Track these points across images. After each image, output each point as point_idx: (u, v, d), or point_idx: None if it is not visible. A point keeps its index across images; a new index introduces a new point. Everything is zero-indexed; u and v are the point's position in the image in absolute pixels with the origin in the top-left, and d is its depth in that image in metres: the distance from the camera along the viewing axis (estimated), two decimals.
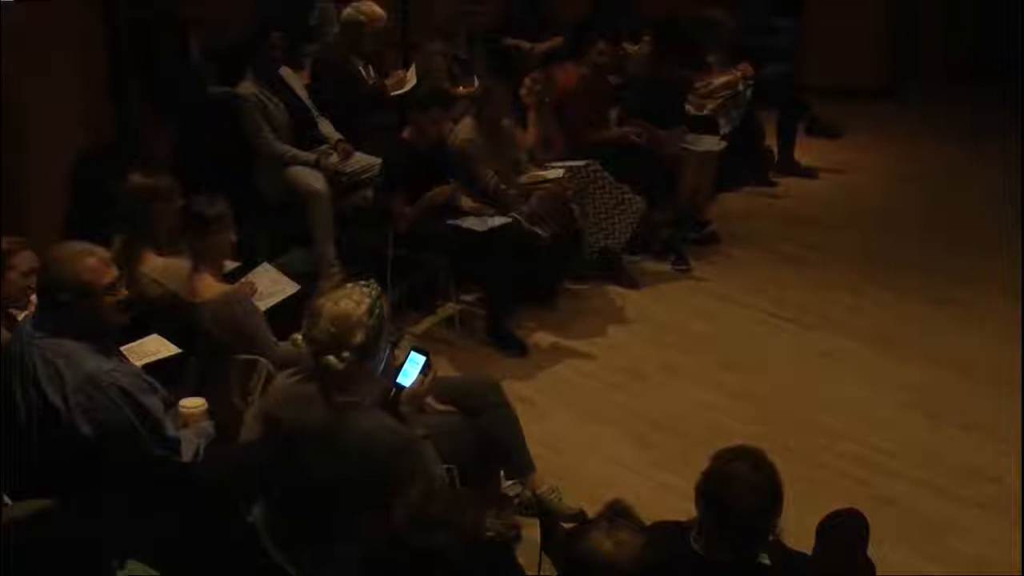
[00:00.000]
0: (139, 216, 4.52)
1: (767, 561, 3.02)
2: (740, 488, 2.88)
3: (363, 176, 6.40)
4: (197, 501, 3.47)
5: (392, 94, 6.83)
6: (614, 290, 6.59)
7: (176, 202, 4.56)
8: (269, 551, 3.31)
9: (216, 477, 3.55)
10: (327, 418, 3.20)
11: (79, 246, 3.57)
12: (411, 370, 3.53)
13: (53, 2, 5.80)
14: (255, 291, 4.63)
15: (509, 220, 5.88)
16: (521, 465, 4.35)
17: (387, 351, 3.35)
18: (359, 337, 3.17)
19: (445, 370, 5.21)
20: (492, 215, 5.95)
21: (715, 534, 2.94)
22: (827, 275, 6.88)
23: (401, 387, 3.50)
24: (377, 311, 3.23)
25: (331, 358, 3.17)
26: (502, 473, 4.43)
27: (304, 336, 3.24)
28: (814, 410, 5.35)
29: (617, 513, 2.73)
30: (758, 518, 2.91)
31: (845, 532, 3.57)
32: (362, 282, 3.30)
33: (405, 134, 6.03)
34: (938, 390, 5.54)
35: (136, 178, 4.58)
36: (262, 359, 4.14)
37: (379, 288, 3.30)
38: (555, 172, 6.42)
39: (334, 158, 6.34)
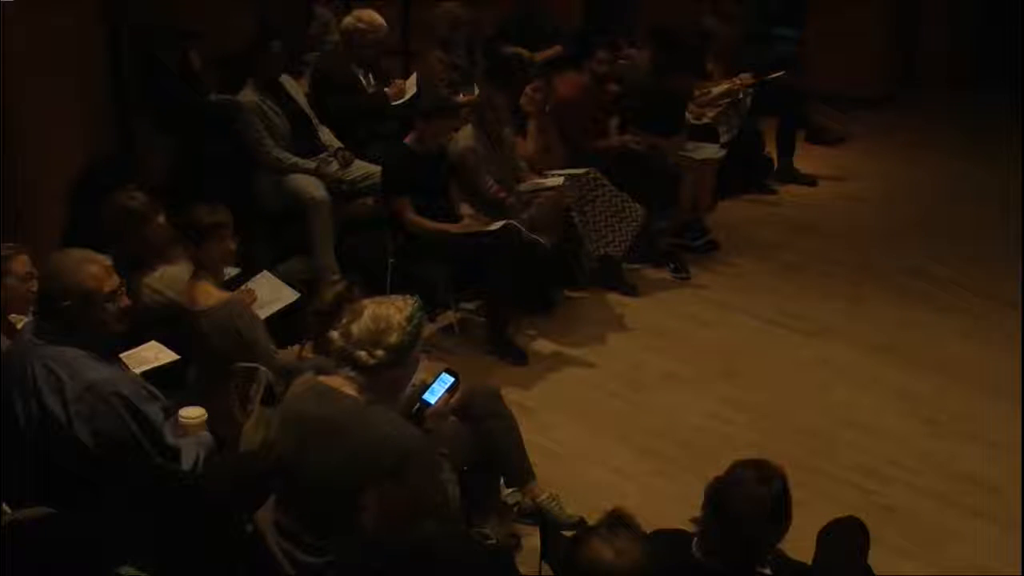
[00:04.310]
0: (121, 236, 4.49)
1: (768, 571, 3.02)
2: (743, 499, 2.88)
3: (363, 184, 6.41)
4: (196, 509, 3.47)
5: (392, 103, 6.85)
6: (614, 298, 6.59)
7: (155, 221, 4.53)
8: (271, 547, 3.31)
9: (215, 486, 3.55)
10: (347, 411, 3.21)
11: (81, 254, 3.57)
12: (438, 389, 3.56)
13: (54, 11, 5.80)
14: (255, 299, 4.63)
15: (506, 223, 5.87)
16: (521, 473, 4.35)
17: (417, 366, 3.37)
18: (395, 338, 3.22)
19: None
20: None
21: (716, 542, 2.94)
22: (827, 283, 6.89)
23: (427, 404, 3.52)
24: (416, 321, 3.29)
25: (363, 353, 3.20)
26: (502, 481, 4.43)
27: (340, 332, 3.26)
28: (814, 418, 5.35)
29: (617, 521, 2.72)
30: (758, 530, 2.91)
31: (845, 540, 3.57)
32: (406, 296, 3.36)
33: (407, 141, 6.03)
34: (939, 398, 5.53)
35: (116, 199, 4.55)
36: (262, 367, 4.14)
37: (421, 303, 3.36)
38: (555, 180, 6.42)
39: (334, 166, 6.35)
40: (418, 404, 3.52)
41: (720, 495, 2.93)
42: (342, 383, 3.26)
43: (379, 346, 3.21)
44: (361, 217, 6.40)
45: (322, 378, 3.33)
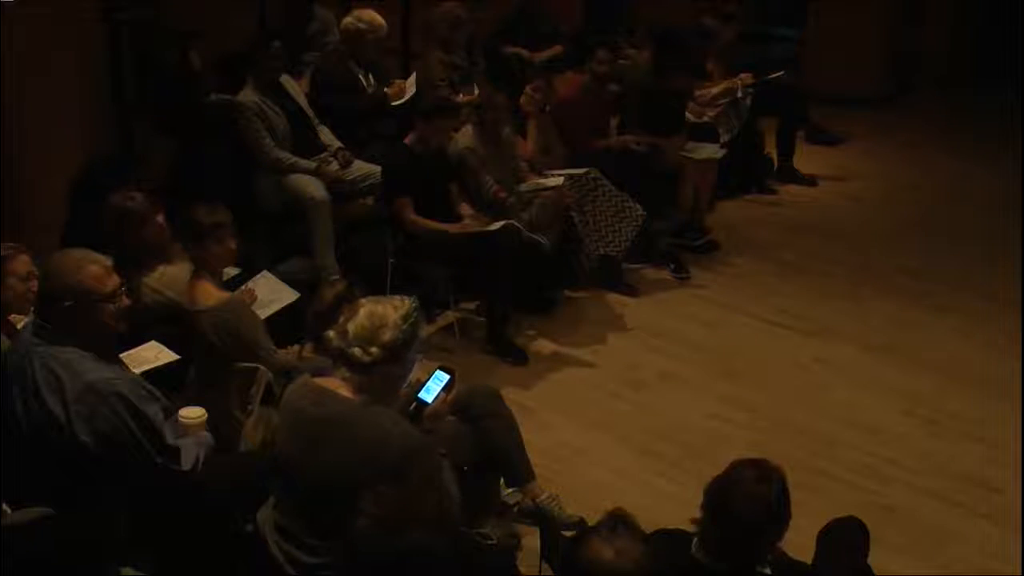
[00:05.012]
0: (120, 237, 4.49)
1: (768, 571, 3.01)
2: (742, 499, 2.88)
3: (363, 184, 6.41)
4: (196, 509, 3.47)
5: (392, 103, 6.85)
6: (614, 298, 6.58)
7: (153, 222, 4.53)
8: (271, 548, 3.31)
9: (216, 486, 3.55)
10: (347, 411, 3.21)
11: (81, 254, 3.56)
12: (434, 387, 3.55)
13: (54, 11, 5.81)
14: (255, 299, 4.63)
15: (506, 223, 5.86)
16: (521, 473, 4.35)
17: (413, 367, 3.38)
18: (390, 335, 3.23)
19: None
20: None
21: (716, 542, 2.94)
22: (827, 283, 6.89)
23: (423, 402, 3.51)
24: (412, 320, 3.30)
25: (358, 350, 3.21)
26: (502, 481, 4.43)
27: (337, 330, 3.27)
28: (814, 418, 5.35)
29: (617, 521, 2.72)
30: (757, 530, 2.91)
31: (845, 540, 3.57)
32: (403, 296, 3.38)
33: (407, 141, 6.04)
34: (939, 398, 5.54)
35: (113, 201, 4.54)
36: (261, 367, 4.14)
37: (419, 303, 3.37)
38: (555, 180, 6.42)
39: (334, 166, 6.35)
40: (414, 403, 3.52)
41: (720, 495, 2.93)
42: (338, 385, 3.27)
43: (374, 343, 3.22)
44: (361, 217, 6.40)
45: (318, 379, 3.32)
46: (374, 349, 3.22)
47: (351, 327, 3.25)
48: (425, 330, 5.91)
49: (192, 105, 6.59)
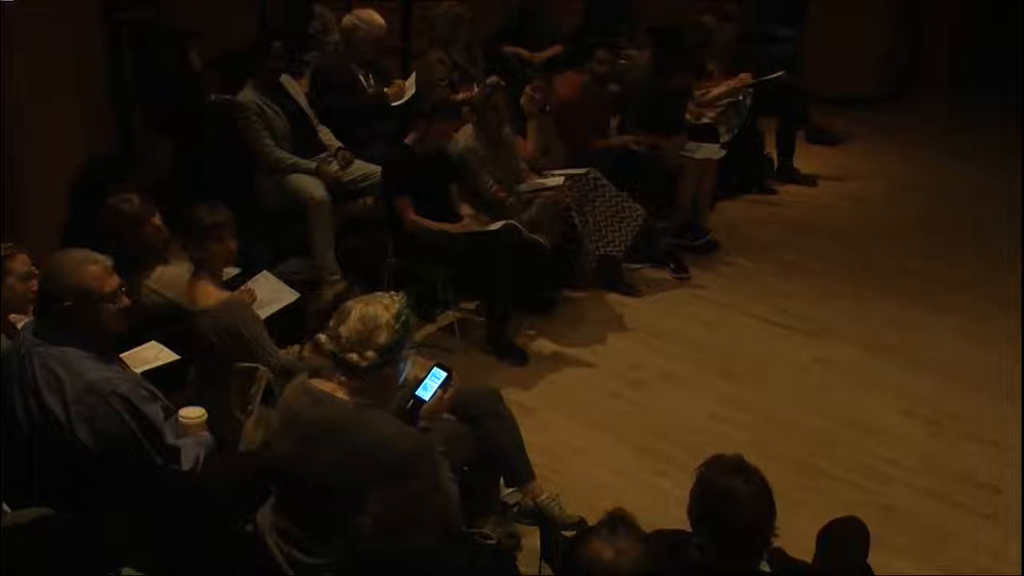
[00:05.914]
0: (118, 239, 4.48)
1: (768, 569, 3.01)
2: (740, 506, 2.85)
3: (363, 184, 6.41)
4: (196, 509, 3.47)
5: (392, 103, 6.85)
6: (614, 298, 6.59)
7: (150, 223, 4.52)
8: (271, 550, 3.31)
9: (216, 486, 3.55)
10: (345, 415, 3.21)
11: (81, 254, 3.57)
12: (431, 384, 3.55)
13: (54, 11, 5.81)
14: (255, 299, 4.63)
15: (506, 223, 5.86)
16: (521, 473, 4.35)
17: (407, 364, 3.37)
18: (384, 337, 3.21)
19: None
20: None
21: (714, 546, 2.92)
22: (827, 283, 6.89)
23: (420, 399, 3.51)
24: (404, 318, 3.28)
25: (355, 355, 3.20)
26: (502, 481, 4.43)
27: (329, 335, 3.26)
28: (814, 418, 5.35)
29: (617, 521, 2.72)
30: (763, 529, 2.90)
31: (845, 540, 3.57)
32: (391, 292, 3.36)
33: (407, 140, 6.04)
34: (939, 398, 5.53)
35: (110, 203, 4.53)
36: (261, 367, 4.14)
37: (407, 299, 3.35)
38: (555, 180, 6.42)
39: (334, 166, 6.35)
40: (411, 400, 3.52)
41: (717, 508, 2.89)
42: (334, 388, 3.26)
43: (369, 347, 3.21)
44: (361, 217, 6.40)
45: (314, 381, 3.32)
46: (370, 353, 3.20)
47: (343, 331, 3.23)
48: (420, 328, 5.97)
49: (192, 105, 6.59)
